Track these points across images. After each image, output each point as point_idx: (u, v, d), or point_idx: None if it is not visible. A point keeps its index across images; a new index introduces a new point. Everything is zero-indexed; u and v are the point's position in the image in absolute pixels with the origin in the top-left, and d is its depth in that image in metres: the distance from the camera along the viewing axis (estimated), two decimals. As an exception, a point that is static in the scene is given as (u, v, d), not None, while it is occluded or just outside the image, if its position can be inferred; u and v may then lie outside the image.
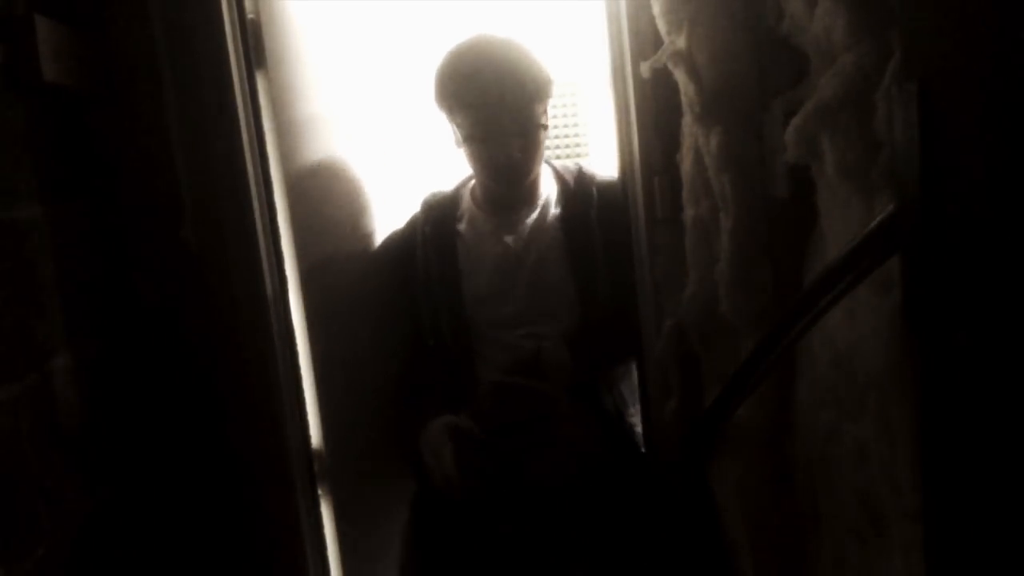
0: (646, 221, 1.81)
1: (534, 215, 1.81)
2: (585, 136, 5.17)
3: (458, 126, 1.74)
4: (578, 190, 1.82)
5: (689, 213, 1.61)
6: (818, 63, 1.09)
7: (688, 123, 1.54)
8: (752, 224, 1.40)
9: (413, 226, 1.95)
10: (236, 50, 1.57)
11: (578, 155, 5.17)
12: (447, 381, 1.84)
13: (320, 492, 1.78)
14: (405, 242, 1.96)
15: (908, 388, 0.91)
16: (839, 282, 0.94)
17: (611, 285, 1.80)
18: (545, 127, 1.77)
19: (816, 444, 1.27)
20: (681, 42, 1.44)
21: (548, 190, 1.85)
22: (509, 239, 1.81)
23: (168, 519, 1.56)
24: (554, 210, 1.82)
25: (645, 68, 1.65)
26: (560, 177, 1.87)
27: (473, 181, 1.89)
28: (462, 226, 1.85)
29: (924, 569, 0.89)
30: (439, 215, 1.88)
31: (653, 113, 1.75)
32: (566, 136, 5.25)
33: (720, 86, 1.41)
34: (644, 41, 1.70)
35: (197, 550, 1.59)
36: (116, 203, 1.50)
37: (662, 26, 1.50)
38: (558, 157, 5.31)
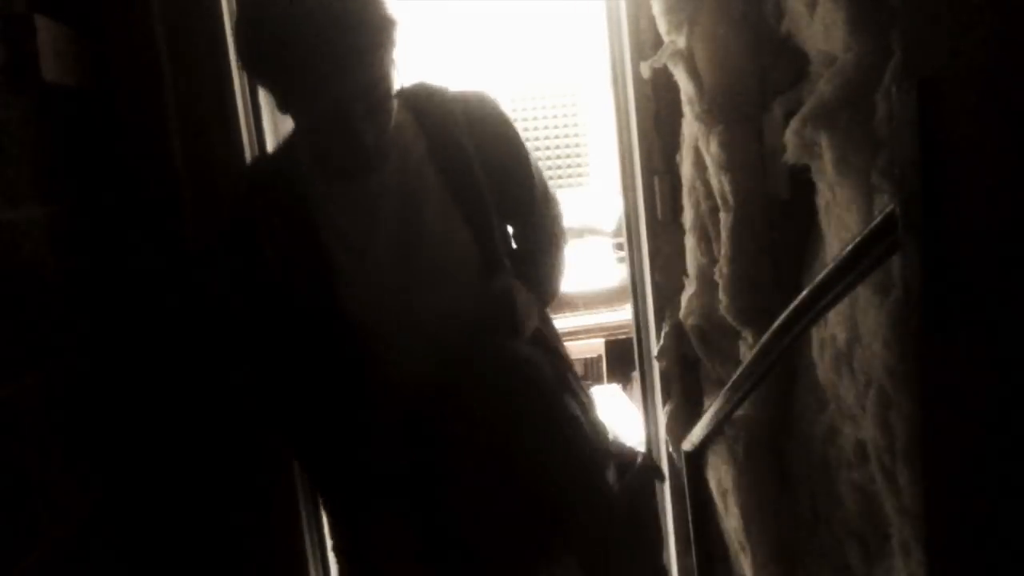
0: (646, 221, 1.82)
1: (395, 160, 1.41)
2: (585, 136, 5.18)
3: (280, 104, 1.32)
4: (438, 112, 1.44)
5: (689, 213, 1.61)
6: (818, 63, 1.09)
7: (688, 123, 1.54)
8: (752, 224, 1.40)
9: (244, 212, 1.41)
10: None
11: (578, 155, 5.18)
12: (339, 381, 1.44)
13: (320, 492, 1.78)
14: (238, 239, 1.42)
15: (908, 388, 0.92)
16: (839, 282, 0.94)
17: (502, 209, 1.47)
18: (394, 78, 1.33)
19: (816, 444, 1.27)
20: (681, 42, 1.44)
21: (399, 122, 1.40)
22: (379, 198, 1.41)
23: (168, 519, 1.56)
24: (415, 143, 1.43)
25: (645, 68, 1.65)
26: (410, 104, 1.43)
27: (297, 142, 1.44)
28: (311, 199, 1.40)
29: (924, 569, 0.89)
30: (278, 194, 1.40)
31: (653, 113, 1.75)
32: (566, 136, 5.26)
33: (720, 86, 1.41)
34: (644, 41, 1.70)
35: (197, 549, 1.59)
36: (116, 203, 1.50)
37: (662, 26, 1.50)
38: (559, 157, 5.30)
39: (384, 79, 1.31)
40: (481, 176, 1.43)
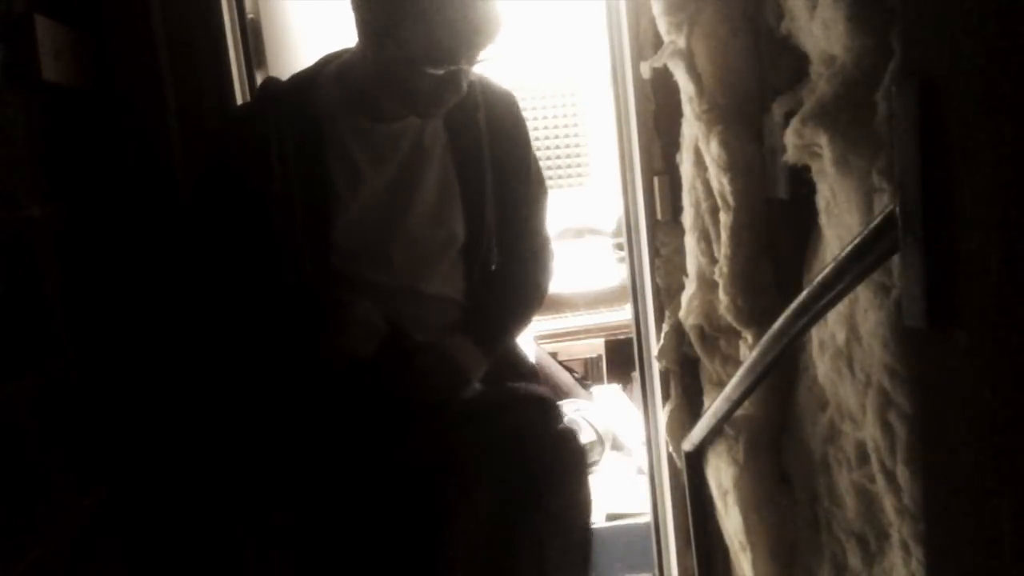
0: (646, 221, 1.82)
1: (414, 123, 1.43)
2: (585, 136, 5.18)
3: (394, 40, 1.28)
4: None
5: (689, 213, 1.61)
6: (818, 63, 1.09)
7: (688, 123, 1.54)
8: (752, 224, 1.39)
9: (259, 125, 1.38)
10: (236, 50, 1.57)
11: (578, 155, 5.18)
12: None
13: (320, 492, 1.77)
14: (250, 148, 1.38)
15: (908, 388, 0.92)
16: (839, 282, 0.94)
17: (499, 206, 1.48)
18: None
19: (816, 444, 1.27)
20: (681, 42, 1.44)
21: None
22: (397, 148, 1.42)
23: (168, 518, 1.56)
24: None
25: (645, 68, 1.65)
26: None
27: (340, 69, 1.42)
28: (331, 131, 1.40)
29: (924, 569, 0.89)
30: (297, 114, 1.38)
31: (653, 113, 1.75)
32: (566, 136, 5.26)
33: (720, 86, 1.41)
34: (644, 41, 1.70)
35: (197, 549, 1.59)
36: (116, 203, 1.50)
37: (662, 26, 1.50)
38: (558, 158, 5.31)
39: (491, 49, 1.34)
40: (488, 170, 1.45)
